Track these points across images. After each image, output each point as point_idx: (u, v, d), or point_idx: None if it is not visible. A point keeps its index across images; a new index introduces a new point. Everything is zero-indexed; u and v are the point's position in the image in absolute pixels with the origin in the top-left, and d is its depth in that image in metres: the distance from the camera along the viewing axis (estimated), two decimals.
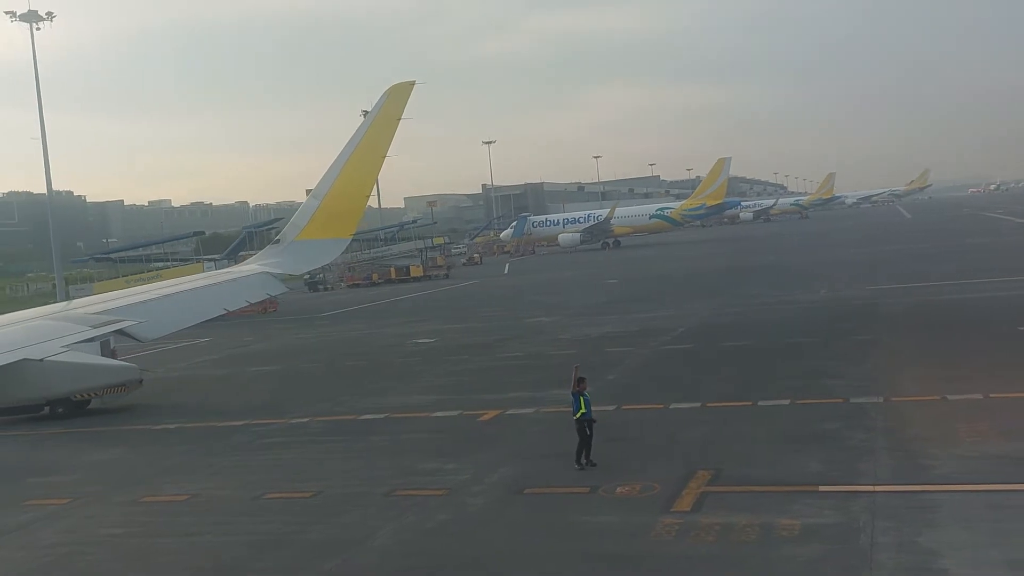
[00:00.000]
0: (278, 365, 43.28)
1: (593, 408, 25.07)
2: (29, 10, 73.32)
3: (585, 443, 20.47)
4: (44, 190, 75.81)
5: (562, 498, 18.48)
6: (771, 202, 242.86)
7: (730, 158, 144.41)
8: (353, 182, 40.32)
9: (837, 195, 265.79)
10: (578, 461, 20.31)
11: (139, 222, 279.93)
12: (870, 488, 17.40)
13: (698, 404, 25.91)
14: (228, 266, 57.47)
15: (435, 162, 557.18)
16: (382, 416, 27.93)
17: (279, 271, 40.36)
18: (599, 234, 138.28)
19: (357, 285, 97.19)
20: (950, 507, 16.11)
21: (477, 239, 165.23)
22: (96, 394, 30.88)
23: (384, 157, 40.26)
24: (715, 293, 57.51)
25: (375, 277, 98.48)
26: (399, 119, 39.19)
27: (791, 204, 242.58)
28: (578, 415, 20.58)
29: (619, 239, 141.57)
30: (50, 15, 72.94)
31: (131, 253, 79.45)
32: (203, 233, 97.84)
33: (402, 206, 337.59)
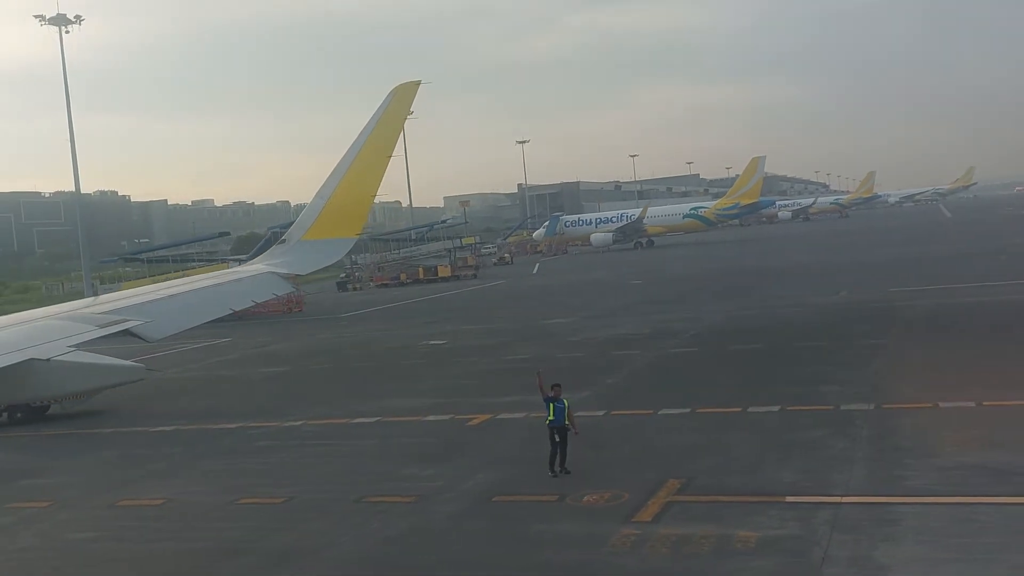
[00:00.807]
0: (289, 366, 43.49)
1: (583, 413, 25.25)
2: (58, 13, 74.47)
3: (558, 451, 20.29)
4: (91, 191, 77.01)
5: (528, 506, 18.34)
6: (810, 201, 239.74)
7: (764, 157, 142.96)
8: (359, 182, 40.39)
9: (879, 194, 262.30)
10: (552, 469, 20.16)
11: (182, 221, 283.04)
12: (838, 499, 17.11)
13: (688, 410, 25.66)
14: None
15: (478, 160, 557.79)
16: (373, 420, 27.96)
17: (285, 271, 40.52)
18: (631, 234, 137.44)
19: (386, 285, 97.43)
20: (913, 520, 15.80)
21: (510, 239, 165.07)
22: (57, 400, 31.08)
23: (390, 157, 40.29)
24: (736, 294, 57.05)
25: (403, 277, 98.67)
26: (405, 119, 39.30)
27: (830, 203, 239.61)
28: (547, 422, 20.37)
29: (652, 239, 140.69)
30: (78, 18, 74.11)
31: (159, 253, 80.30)
32: (228, 233, 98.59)
33: (441, 205, 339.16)
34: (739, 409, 25.17)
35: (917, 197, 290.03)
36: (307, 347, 50.76)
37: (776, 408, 24.86)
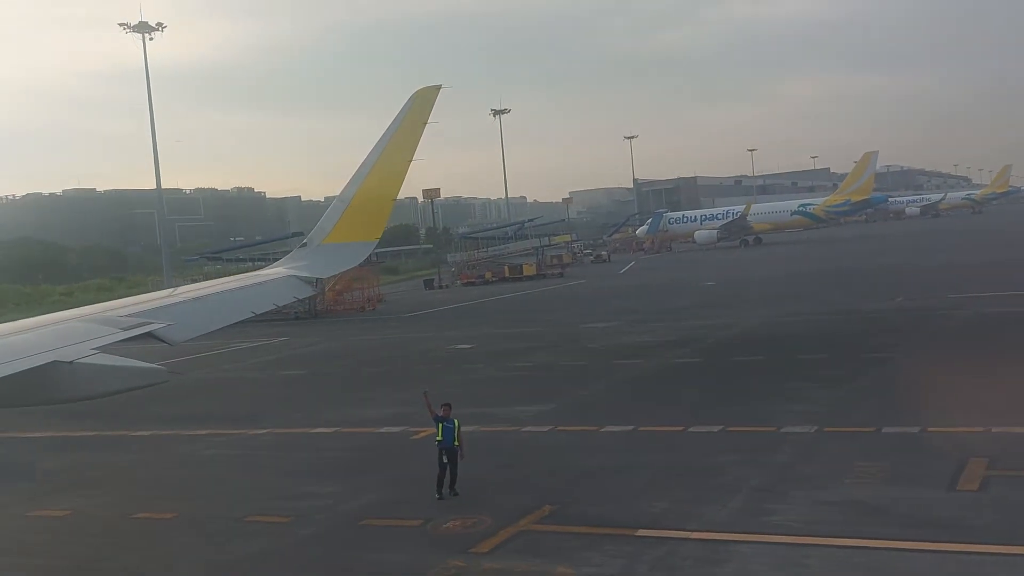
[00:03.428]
0: (310, 369, 44.12)
1: (529, 428, 24.89)
2: (140, 21, 77.23)
3: (447, 472, 19.94)
4: (228, 187, 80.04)
5: (384, 532, 18.03)
6: (939, 196, 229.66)
7: (877, 152, 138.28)
8: (380, 186, 40.69)
9: (1015, 188, 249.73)
10: (439, 491, 19.82)
11: (314, 217, 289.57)
12: (686, 535, 16.32)
13: (631, 428, 24.94)
14: None
15: (604, 154, 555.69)
16: (331, 431, 28.06)
17: (306, 274, 41.18)
18: (736, 231, 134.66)
19: (472, 283, 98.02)
20: (740, 562, 14.95)
21: (615, 236, 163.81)
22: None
23: (410, 161, 40.48)
24: (791, 299, 55.55)
25: (488, 275, 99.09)
26: (425, 123, 39.31)
27: (962, 199, 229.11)
28: (436, 442, 20.03)
29: (760, 236, 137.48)
30: (160, 25, 76.65)
31: (237, 252, 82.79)
32: (301, 233, 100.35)
33: (567, 199, 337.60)
34: (681, 428, 24.34)
35: None
36: (345, 348, 51.43)
37: (717, 428, 23.92)
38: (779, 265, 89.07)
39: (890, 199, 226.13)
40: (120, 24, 75.37)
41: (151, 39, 76.63)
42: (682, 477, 19.96)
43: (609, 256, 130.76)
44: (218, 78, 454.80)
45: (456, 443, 20.00)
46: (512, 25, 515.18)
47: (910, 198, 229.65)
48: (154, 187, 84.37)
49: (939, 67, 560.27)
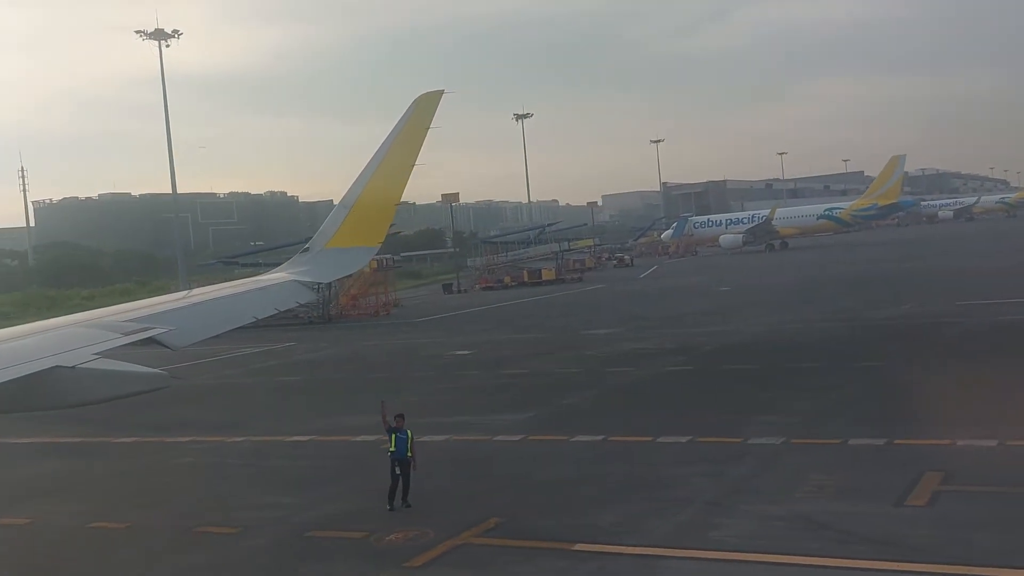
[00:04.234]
0: (309, 375, 44.32)
1: (503, 437, 24.76)
2: (156, 29, 78.18)
3: (400, 483, 19.91)
4: (261, 191, 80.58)
5: (329, 544, 18.01)
6: (973, 199, 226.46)
7: (904, 156, 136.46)
8: (382, 191, 40.83)
9: None
10: (391, 502, 19.78)
11: None
12: (622, 549, 16.20)
13: (601, 438, 24.82)
14: None
15: (636, 157, 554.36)
16: (307, 439, 28.12)
17: (308, 279, 41.33)
18: (762, 235, 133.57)
19: (491, 288, 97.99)
20: None
21: (641, 240, 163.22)
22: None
23: (412, 166, 40.63)
24: (801, 305, 55.43)
25: (507, 280, 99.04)
26: (428, 128, 39.45)
27: (996, 202, 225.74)
28: (388, 453, 20.01)
29: (786, 240, 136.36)
30: (176, 32, 77.60)
31: (258, 256, 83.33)
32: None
33: (592, 203, 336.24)
34: (651, 439, 24.19)
35: None
36: (349, 354, 51.62)
37: (686, 439, 23.73)
38: (799, 270, 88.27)
39: (923, 202, 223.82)
40: (137, 32, 76.91)
41: (167, 46, 77.89)
42: (637, 489, 19.83)
43: (632, 260, 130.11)
44: (256, 84, 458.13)
45: (409, 454, 19.95)
46: (545, 29, 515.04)
47: (943, 201, 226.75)
48: (188, 191, 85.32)
49: (976, 68, 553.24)
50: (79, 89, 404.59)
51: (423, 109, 43.66)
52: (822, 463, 20.72)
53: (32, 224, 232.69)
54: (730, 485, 19.70)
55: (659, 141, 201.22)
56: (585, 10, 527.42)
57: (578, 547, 16.49)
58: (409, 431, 20.20)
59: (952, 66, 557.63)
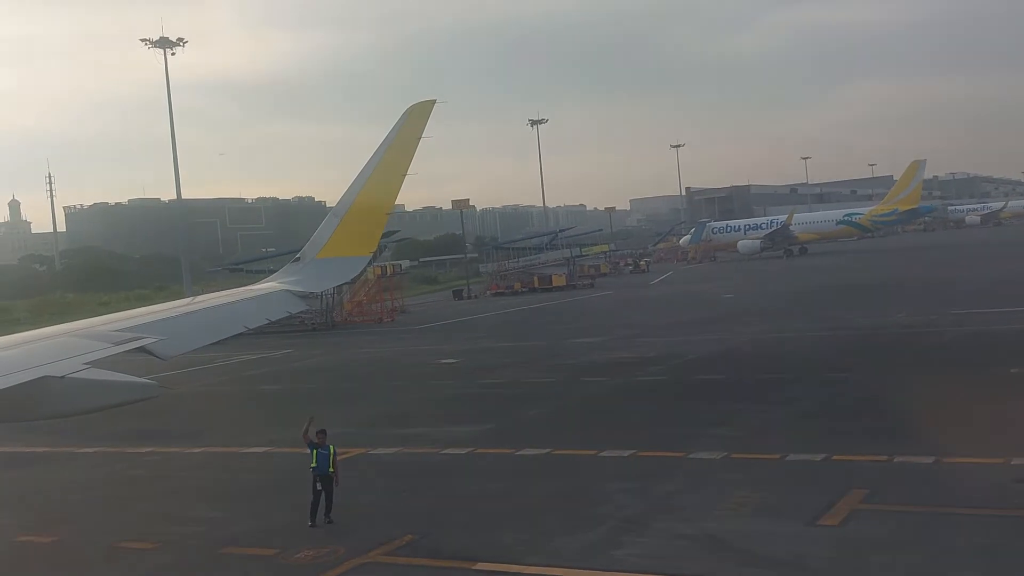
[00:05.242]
0: (291, 384, 44.35)
1: (453, 451, 24.65)
2: (161, 37, 78.76)
3: (322, 499, 19.78)
4: (289, 196, 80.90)
5: (239, 560, 17.92)
6: (1000, 204, 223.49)
7: (924, 160, 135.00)
8: (374, 201, 40.84)
9: None
10: (312, 518, 19.65)
11: None
12: (520, 569, 16.03)
13: (546, 451, 24.61)
14: None
15: (665, 163, 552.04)
16: (262, 451, 28.09)
17: (299, 288, 41.30)
18: (780, 241, 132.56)
19: (501, 294, 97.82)
20: None
21: (660, 245, 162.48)
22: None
23: (404, 176, 40.63)
24: (796, 314, 54.98)
25: (517, 286, 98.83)
26: (419, 138, 39.45)
27: None
28: (311, 468, 19.90)
29: (805, 246, 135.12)
30: (181, 40, 78.13)
31: (268, 263, 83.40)
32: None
33: (627, 208, 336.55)
34: (594, 452, 23.94)
35: None
36: (338, 362, 51.65)
37: (628, 453, 23.49)
38: (809, 277, 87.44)
39: (950, 207, 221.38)
40: (142, 40, 77.62)
41: (172, 54, 78.50)
42: (560, 506, 19.62)
43: (648, 266, 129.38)
44: (286, 91, 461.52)
45: (331, 470, 19.84)
46: (574, 33, 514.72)
47: (971, 206, 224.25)
48: (217, 196, 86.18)
49: (1007, 71, 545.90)
50: (120, 98, 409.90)
51: (414, 119, 43.57)
52: (753, 479, 20.43)
53: (63, 230, 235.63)
54: (653, 502, 19.44)
55: (679, 146, 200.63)
56: (621, 11, 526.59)
57: (479, 566, 16.32)
58: (332, 446, 20.13)
59: (984, 69, 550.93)
